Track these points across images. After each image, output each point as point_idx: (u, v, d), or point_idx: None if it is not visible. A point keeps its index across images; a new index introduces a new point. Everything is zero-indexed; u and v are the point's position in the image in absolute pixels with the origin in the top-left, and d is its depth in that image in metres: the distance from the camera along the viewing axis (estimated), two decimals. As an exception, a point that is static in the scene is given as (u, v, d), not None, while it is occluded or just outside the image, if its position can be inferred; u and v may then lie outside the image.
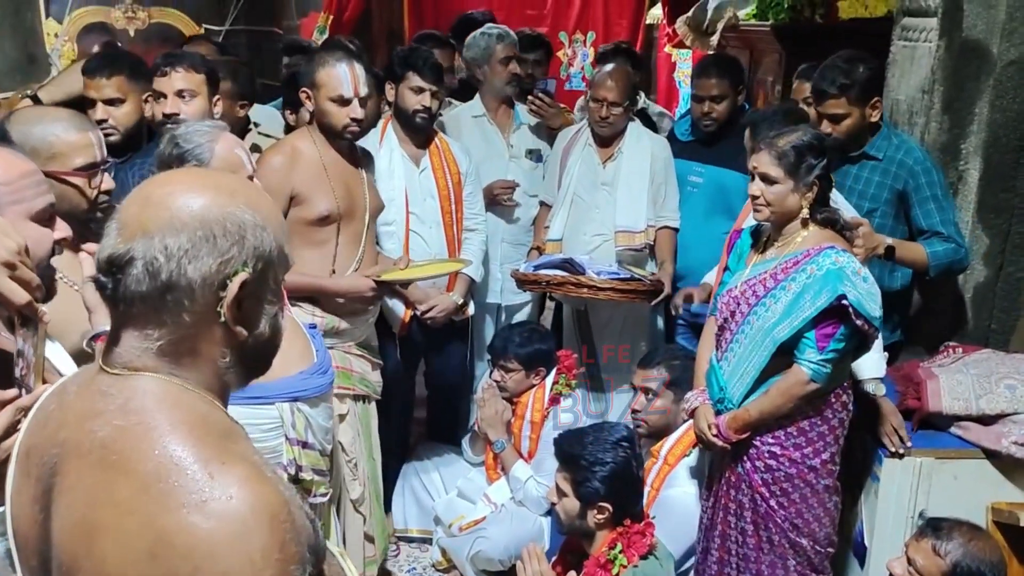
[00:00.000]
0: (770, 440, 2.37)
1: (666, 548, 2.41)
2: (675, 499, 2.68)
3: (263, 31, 5.98)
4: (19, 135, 1.81)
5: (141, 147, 2.80)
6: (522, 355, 3.23)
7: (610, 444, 2.37)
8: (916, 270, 2.78)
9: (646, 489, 2.56)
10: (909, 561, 2.12)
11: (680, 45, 5.96)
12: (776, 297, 2.29)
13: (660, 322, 3.68)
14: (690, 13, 5.26)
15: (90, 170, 1.89)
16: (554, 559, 2.56)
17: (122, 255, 1.00)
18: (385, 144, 3.27)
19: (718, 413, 2.42)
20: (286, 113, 3.53)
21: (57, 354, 1.55)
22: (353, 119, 2.72)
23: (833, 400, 2.35)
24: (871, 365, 2.48)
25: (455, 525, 3.17)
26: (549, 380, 3.24)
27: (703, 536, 2.57)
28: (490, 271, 3.62)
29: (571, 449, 2.40)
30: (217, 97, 2.86)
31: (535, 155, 3.77)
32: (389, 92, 3.24)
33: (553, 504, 2.44)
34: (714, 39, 5.04)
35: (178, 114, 2.71)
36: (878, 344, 2.43)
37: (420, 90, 3.16)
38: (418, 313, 3.22)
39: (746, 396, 2.36)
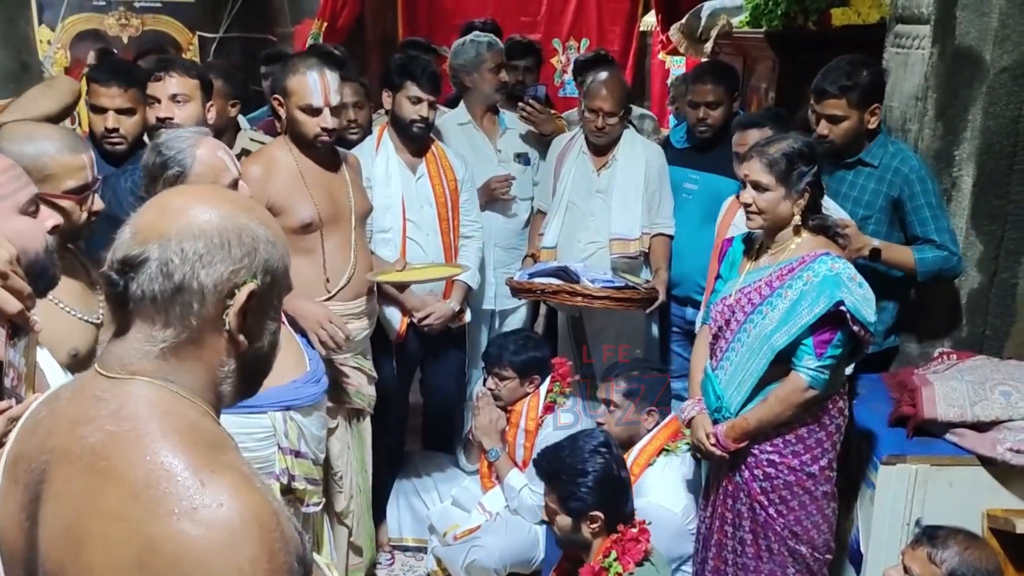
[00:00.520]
0: (768, 448, 2.36)
1: (662, 555, 2.40)
2: (643, 511, 2.64)
3: (257, 38, 5.97)
4: (12, 155, 1.79)
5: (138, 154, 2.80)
6: (517, 363, 3.22)
7: (587, 453, 2.36)
8: (904, 273, 2.78)
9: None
10: (905, 569, 2.11)
11: (674, 52, 5.97)
12: (772, 304, 2.29)
13: (655, 329, 3.67)
14: (684, 20, 5.27)
15: (81, 193, 1.86)
16: (554, 568, 2.54)
17: (137, 255, 1.02)
18: (381, 151, 3.26)
19: (715, 422, 2.42)
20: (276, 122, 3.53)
21: (46, 362, 1.53)
22: (324, 128, 2.66)
23: (830, 406, 2.35)
24: None
25: (450, 534, 3.15)
26: (543, 388, 3.23)
27: (700, 546, 2.56)
28: (484, 277, 3.61)
29: (550, 467, 2.39)
30: (211, 103, 2.85)
31: (523, 158, 3.77)
32: (386, 100, 3.23)
33: (549, 523, 2.42)
34: (708, 46, 5.05)
35: (172, 118, 2.70)
36: None
37: (418, 100, 3.14)
38: (415, 320, 3.21)
39: (743, 404, 2.36)
